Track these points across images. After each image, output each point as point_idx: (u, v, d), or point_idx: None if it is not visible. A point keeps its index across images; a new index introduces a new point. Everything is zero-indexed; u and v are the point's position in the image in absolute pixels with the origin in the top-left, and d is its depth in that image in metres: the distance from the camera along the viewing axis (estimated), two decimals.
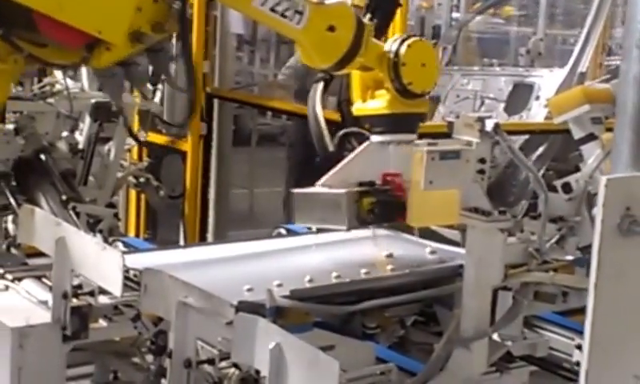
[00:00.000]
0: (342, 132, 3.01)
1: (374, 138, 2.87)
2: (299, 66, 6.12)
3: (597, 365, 1.68)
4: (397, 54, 2.84)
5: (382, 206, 2.70)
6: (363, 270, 2.85)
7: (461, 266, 2.66)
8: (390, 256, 3.05)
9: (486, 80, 7.23)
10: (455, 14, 9.54)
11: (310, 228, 3.21)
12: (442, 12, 9.03)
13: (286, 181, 6.65)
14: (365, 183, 2.75)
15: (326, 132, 3.02)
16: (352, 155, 2.86)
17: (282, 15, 2.73)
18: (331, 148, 2.99)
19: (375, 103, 2.91)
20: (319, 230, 3.15)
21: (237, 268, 2.89)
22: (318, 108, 3.05)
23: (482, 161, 2.62)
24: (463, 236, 2.74)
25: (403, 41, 2.87)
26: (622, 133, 1.82)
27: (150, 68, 3.11)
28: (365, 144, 2.88)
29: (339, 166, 2.83)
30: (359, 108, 2.95)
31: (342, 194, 2.69)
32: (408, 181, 2.74)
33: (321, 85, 3.10)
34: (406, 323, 3.02)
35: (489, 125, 2.58)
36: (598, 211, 1.66)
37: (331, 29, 2.79)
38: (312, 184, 2.83)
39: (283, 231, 3.39)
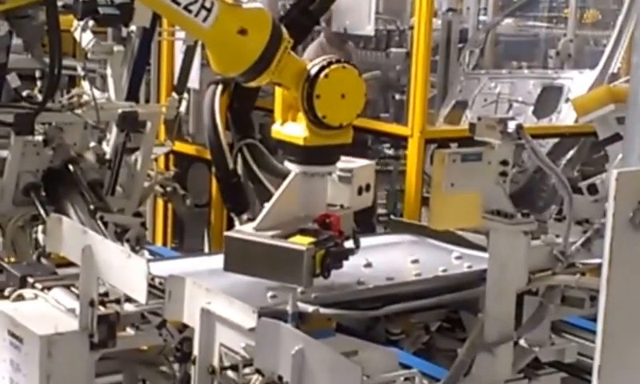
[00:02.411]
0: (237, 146, 2.62)
1: (295, 169, 2.59)
2: None
3: (610, 360, 1.66)
4: (312, 83, 2.51)
5: (333, 257, 2.44)
6: (388, 276, 2.84)
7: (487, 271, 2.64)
8: (415, 261, 3.04)
9: (515, 83, 7.16)
10: (482, 17, 9.49)
11: None
12: (470, 15, 8.98)
13: None
14: (308, 230, 2.43)
15: (226, 147, 2.65)
16: (280, 191, 2.58)
17: (186, 9, 2.44)
18: (232, 165, 2.64)
19: (292, 129, 2.59)
20: None
21: None
22: (218, 118, 2.69)
23: (505, 163, 2.57)
24: (489, 240, 2.71)
25: (322, 68, 2.52)
26: (633, 126, 1.79)
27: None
28: (290, 177, 2.60)
29: (268, 205, 2.54)
30: (276, 130, 2.65)
31: (302, 250, 2.37)
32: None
33: (219, 88, 2.73)
34: (431, 329, 3.00)
35: (511, 126, 2.55)
36: (609, 205, 1.63)
37: (242, 32, 2.48)
38: None
39: None
